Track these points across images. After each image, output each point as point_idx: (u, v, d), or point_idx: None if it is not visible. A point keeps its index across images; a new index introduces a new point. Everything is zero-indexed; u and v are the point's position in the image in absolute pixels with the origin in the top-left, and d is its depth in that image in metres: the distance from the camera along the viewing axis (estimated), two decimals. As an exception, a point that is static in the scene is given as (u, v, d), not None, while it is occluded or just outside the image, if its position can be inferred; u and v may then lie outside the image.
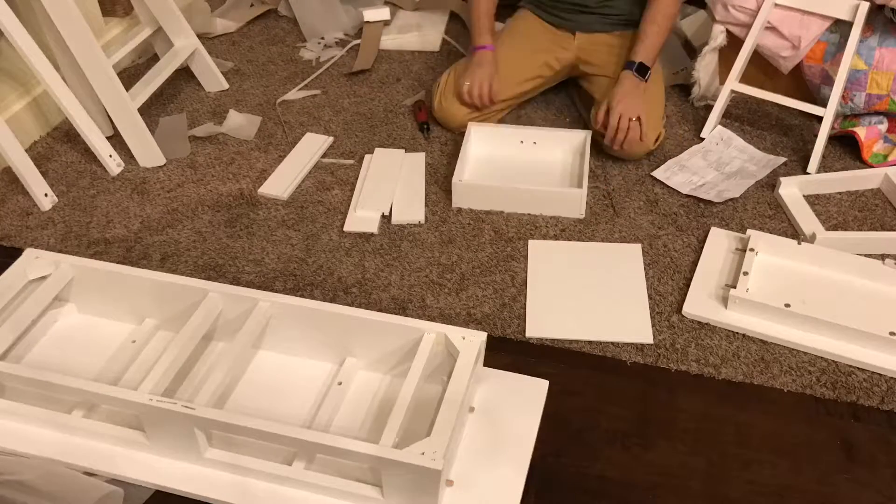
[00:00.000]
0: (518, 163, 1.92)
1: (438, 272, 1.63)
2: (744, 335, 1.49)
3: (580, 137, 1.91)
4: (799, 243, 1.63)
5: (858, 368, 1.43)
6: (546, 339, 1.48)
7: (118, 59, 1.96)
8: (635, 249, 1.69)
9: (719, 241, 1.71)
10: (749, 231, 1.65)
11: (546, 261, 1.66)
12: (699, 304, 1.55)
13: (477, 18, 1.97)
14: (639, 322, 1.52)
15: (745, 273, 1.56)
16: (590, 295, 1.58)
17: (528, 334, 1.49)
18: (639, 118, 1.81)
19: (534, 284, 1.60)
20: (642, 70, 1.85)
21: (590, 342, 1.47)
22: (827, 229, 1.71)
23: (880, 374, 1.42)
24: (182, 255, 1.67)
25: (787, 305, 1.49)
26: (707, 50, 2.07)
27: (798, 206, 1.79)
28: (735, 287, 1.53)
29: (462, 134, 1.93)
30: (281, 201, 1.81)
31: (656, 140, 1.91)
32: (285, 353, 1.41)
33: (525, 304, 1.55)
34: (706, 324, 1.52)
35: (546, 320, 1.52)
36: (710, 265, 1.64)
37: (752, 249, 1.61)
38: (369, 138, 2.03)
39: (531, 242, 1.70)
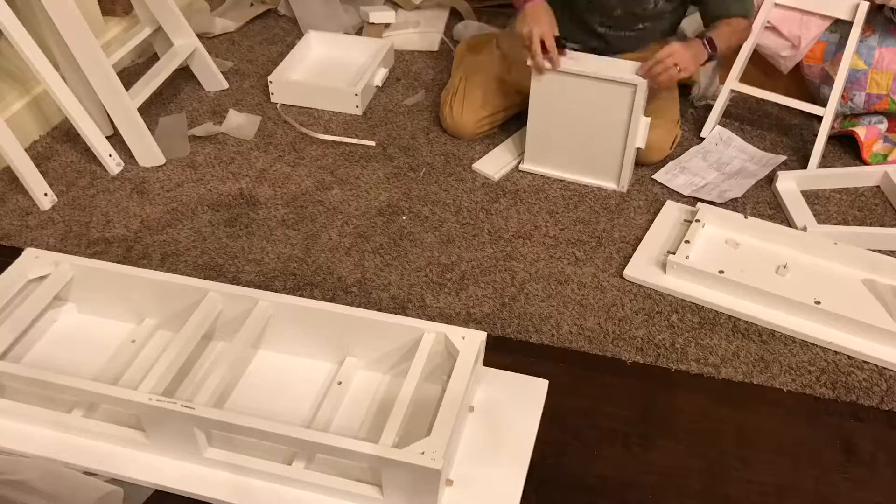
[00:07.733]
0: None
1: (438, 272, 1.63)
2: (743, 335, 1.49)
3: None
4: (745, 217, 1.68)
5: (821, 347, 1.47)
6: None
7: (118, 58, 1.96)
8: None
9: (671, 213, 1.76)
10: (699, 204, 1.72)
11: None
12: (640, 268, 1.61)
13: None
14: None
15: (687, 241, 1.61)
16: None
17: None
18: (680, 70, 1.67)
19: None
20: (712, 45, 1.74)
21: (588, 340, 1.47)
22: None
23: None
24: (182, 255, 1.67)
25: (721, 272, 1.54)
26: (707, 50, 2.07)
27: (794, 199, 1.80)
28: (674, 253, 1.58)
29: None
30: (280, 195, 1.81)
31: (672, 143, 1.91)
32: (285, 353, 1.40)
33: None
34: (651, 290, 1.57)
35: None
36: (658, 234, 1.70)
37: (697, 220, 1.67)
38: (368, 139, 2.03)
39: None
